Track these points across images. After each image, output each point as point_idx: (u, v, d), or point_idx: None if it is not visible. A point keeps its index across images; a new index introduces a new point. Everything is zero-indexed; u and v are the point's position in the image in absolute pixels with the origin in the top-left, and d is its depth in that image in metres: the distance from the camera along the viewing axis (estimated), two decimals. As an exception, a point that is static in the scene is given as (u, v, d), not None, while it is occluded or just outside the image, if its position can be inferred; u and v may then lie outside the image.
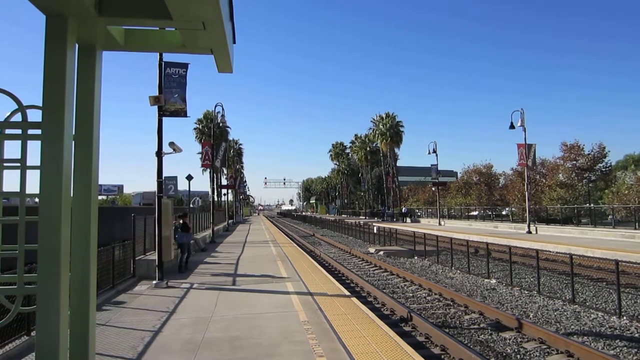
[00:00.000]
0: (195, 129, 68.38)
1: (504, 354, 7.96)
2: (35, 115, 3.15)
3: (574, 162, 41.18)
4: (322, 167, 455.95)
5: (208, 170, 56.22)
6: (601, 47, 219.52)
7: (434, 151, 45.89)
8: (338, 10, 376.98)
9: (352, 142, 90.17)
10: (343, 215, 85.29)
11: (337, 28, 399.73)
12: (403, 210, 60.41)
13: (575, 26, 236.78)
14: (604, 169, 41.52)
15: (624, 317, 9.94)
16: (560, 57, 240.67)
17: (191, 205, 41.20)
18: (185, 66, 13.34)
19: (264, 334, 7.41)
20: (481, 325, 9.74)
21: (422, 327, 9.16)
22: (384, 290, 13.44)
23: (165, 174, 13.41)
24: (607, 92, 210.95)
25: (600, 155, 40.81)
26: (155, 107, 12.48)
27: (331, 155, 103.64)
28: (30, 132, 3.16)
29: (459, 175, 70.44)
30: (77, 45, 3.19)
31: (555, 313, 10.61)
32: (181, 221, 15.44)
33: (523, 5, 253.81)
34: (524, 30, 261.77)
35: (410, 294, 13.25)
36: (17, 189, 3.16)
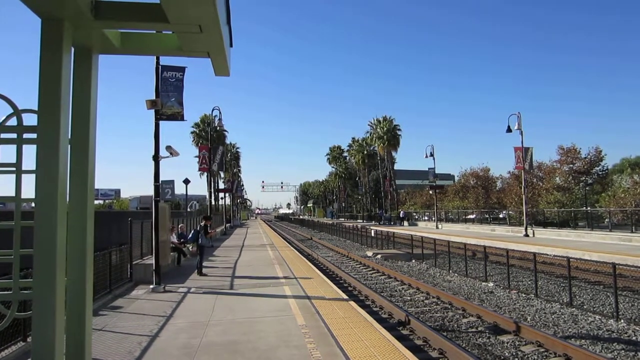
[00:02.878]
0: (192, 132, 68.33)
1: (502, 357, 7.95)
2: (30, 119, 3.13)
3: (571, 165, 41.30)
4: (320, 170, 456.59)
5: (205, 174, 56.19)
6: (600, 48, 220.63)
7: (432, 154, 46.04)
8: (337, 13, 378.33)
9: (350, 146, 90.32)
10: (341, 219, 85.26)
11: (335, 30, 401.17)
12: (400, 214, 60.41)
13: (572, 28, 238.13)
14: (600, 173, 41.66)
15: (622, 320, 9.95)
16: (558, 60, 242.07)
17: (188, 209, 41.08)
18: (182, 70, 13.34)
19: (262, 338, 7.38)
20: (479, 329, 9.73)
21: (420, 330, 9.15)
22: (382, 294, 13.42)
23: (162, 177, 13.38)
24: (604, 95, 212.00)
25: (597, 159, 40.95)
26: (152, 111, 12.45)
27: (328, 158, 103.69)
28: (25, 136, 3.14)
29: (457, 178, 70.69)
30: (73, 49, 3.17)
31: (553, 316, 10.61)
32: (203, 223, 15.49)
33: (521, 6, 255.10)
34: (523, 33, 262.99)
35: (408, 298, 13.23)
36: (13, 194, 3.14)
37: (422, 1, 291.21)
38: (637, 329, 9.37)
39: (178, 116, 13.28)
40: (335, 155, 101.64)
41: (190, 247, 18.43)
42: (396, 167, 78.28)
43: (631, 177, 39.06)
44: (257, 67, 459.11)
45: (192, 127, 67.95)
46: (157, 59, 12.68)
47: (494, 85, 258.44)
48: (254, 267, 16.53)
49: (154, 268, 12.35)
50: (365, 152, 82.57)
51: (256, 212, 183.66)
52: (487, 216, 43.18)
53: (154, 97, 12.43)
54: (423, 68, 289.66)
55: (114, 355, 6.73)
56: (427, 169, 49.55)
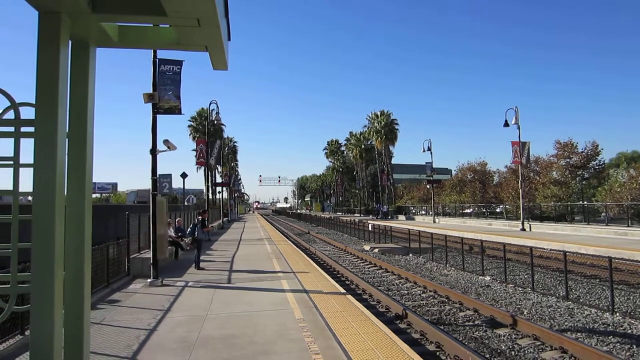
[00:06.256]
0: (189, 126, 68.16)
1: (499, 351, 8.00)
2: (28, 113, 3.12)
3: (568, 159, 41.32)
4: (317, 164, 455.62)
5: (202, 168, 56.12)
6: (594, 44, 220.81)
7: (429, 149, 46.01)
8: (333, 7, 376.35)
9: (347, 140, 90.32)
10: (338, 213, 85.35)
11: (331, 26, 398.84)
12: (384, 209, 60.49)
13: (567, 23, 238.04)
14: (597, 167, 41.69)
15: (617, 314, 10.01)
16: (554, 54, 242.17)
17: (186, 203, 41.09)
18: (179, 63, 13.27)
19: (260, 332, 7.40)
20: (476, 322, 9.78)
21: (417, 324, 9.19)
22: (379, 288, 13.46)
23: (159, 171, 13.36)
24: (600, 90, 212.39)
25: (594, 153, 40.96)
26: (150, 105, 12.42)
27: (326, 152, 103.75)
28: (23, 129, 3.13)
29: (454, 172, 70.82)
30: (70, 42, 3.16)
31: (549, 310, 10.68)
32: (200, 217, 15.52)
33: (517, 2, 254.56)
34: (518, 27, 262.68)
35: (405, 291, 13.28)
36: (11, 187, 3.13)
37: (421, 3, 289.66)
38: (633, 322, 9.44)
39: (175, 110, 13.22)
40: (333, 149, 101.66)
41: (187, 242, 18.48)
42: (394, 161, 78.25)
43: (627, 172, 39.08)
44: (255, 62, 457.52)
45: (189, 120, 67.78)
46: (155, 52, 12.63)
47: (492, 81, 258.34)
48: (252, 261, 16.55)
49: (151, 262, 12.35)
50: (363, 146, 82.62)
51: (254, 206, 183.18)
52: (484, 210, 43.32)
53: (151, 91, 12.39)
54: (422, 65, 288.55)
55: (112, 348, 6.74)
56: (424, 163, 49.59)
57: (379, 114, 71.53)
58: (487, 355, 7.80)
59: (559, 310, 10.62)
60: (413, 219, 52.63)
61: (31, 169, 2.96)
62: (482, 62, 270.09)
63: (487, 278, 14.93)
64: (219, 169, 63.91)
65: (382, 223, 37.30)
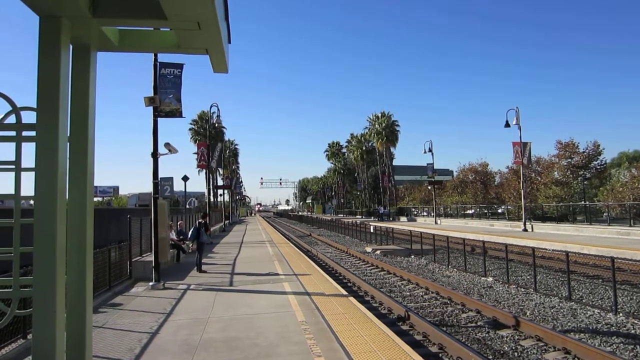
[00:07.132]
0: (190, 129, 68.47)
1: (502, 352, 7.98)
2: (29, 117, 3.13)
3: (569, 160, 41.28)
4: (318, 166, 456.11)
5: (204, 170, 56.15)
6: (595, 43, 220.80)
7: (430, 150, 46.00)
8: (333, 9, 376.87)
9: (348, 142, 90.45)
10: (339, 215, 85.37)
11: (333, 27, 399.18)
12: (381, 211, 60.45)
13: (568, 22, 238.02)
14: (598, 167, 41.64)
15: (620, 314, 9.98)
16: (554, 54, 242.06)
17: (187, 206, 41.13)
18: (180, 66, 13.31)
19: (262, 334, 7.40)
20: (478, 324, 9.76)
21: (420, 325, 9.17)
22: (381, 290, 13.44)
23: (161, 175, 13.39)
24: (601, 89, 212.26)
25: (595, 153, 40.93)
26: (151, 108, 12.45)
27: (327, 154, 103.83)
28: (24, 133, 3.13)
29: (455, 173, 70.78)
30: (71, 46, 3.16)
31: (552, 310, 10.65)
32: (201, 220, 15.62)
33: (517, 1, 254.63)
34: (518, 27, 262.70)
35: (408, 293, 13.26)
36: (12, 191, 3.14)
37: (421, 5, 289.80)
38: (636, 322, 9.41)
39: (176, 113, 13.26)
40: (334, 151, 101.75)
41: (190, 245, 18.51)
42: (395, 162, 78.34)
43: (629, 171, 39.06)
44: (255, 64, 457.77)
45: (190, 123, 68.13)
46: (155, 55, 12.66)
47: (493, 81, 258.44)
48: (254, 264, 16.56)
49: (153, 265, 12.36)
50: (364, 148, 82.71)
51: (255, 208, 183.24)
52: (485, 211, 43.29)
53: (152, 94, 12.41)
54: (422, 66, 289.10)
55: (114, 352, 6.75)
56: (425, 165, 49.59)
57: (379, 115, 71.64)
58: (490, 357, 7.78)
59: (561, 310, 10.59)
60: (414, 220, 52.60)
61: (33, 173, 2.97)
62: (482, 62, 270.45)
63: (490, 279, 14.90)
64: (220, 172, 64.03)
65: (383, 225, 37.28)
